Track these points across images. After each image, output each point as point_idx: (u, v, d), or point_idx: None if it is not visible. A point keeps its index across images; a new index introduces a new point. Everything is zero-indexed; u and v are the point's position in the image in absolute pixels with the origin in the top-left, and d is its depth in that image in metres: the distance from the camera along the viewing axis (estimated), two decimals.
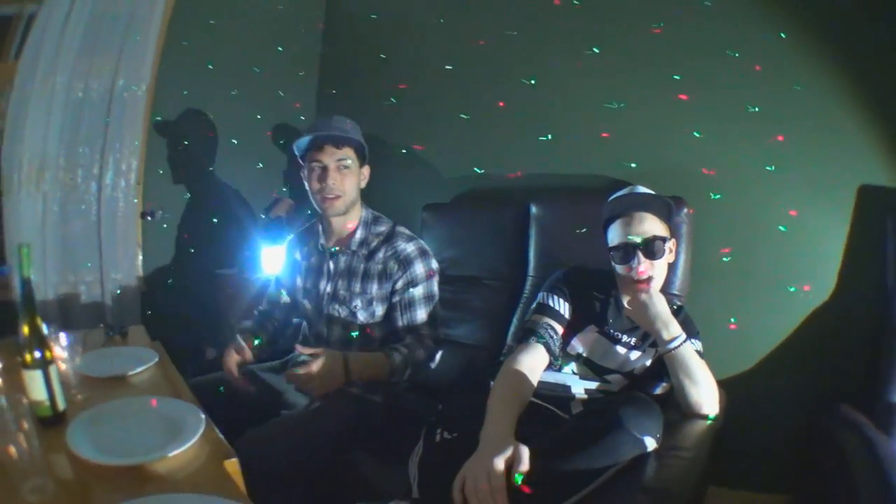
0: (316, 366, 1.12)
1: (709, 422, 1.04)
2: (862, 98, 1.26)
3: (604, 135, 1.55)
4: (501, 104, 1.74)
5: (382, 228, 1.36)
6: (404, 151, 2.00)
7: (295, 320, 1.54)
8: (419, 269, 1.29)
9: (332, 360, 1.15)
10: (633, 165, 1.49)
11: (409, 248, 1.30)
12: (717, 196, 1.40)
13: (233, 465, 0.83)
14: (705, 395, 1.04)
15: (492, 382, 1.04)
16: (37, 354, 0.88)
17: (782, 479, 1.40)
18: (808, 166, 1.32)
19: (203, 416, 0.92)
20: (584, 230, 1.36)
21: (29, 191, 1.85)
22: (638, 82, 1.50)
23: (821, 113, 1.30)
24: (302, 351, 1.18)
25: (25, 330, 0.88)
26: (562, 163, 1.65)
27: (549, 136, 1.65)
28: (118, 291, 1.99)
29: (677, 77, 1.42)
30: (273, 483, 0.98)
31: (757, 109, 1.34)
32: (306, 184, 1.32)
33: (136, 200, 2.01)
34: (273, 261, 1.97)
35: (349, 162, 1.27)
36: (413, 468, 0.97)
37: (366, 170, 1.35)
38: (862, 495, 0.88)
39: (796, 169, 1.33)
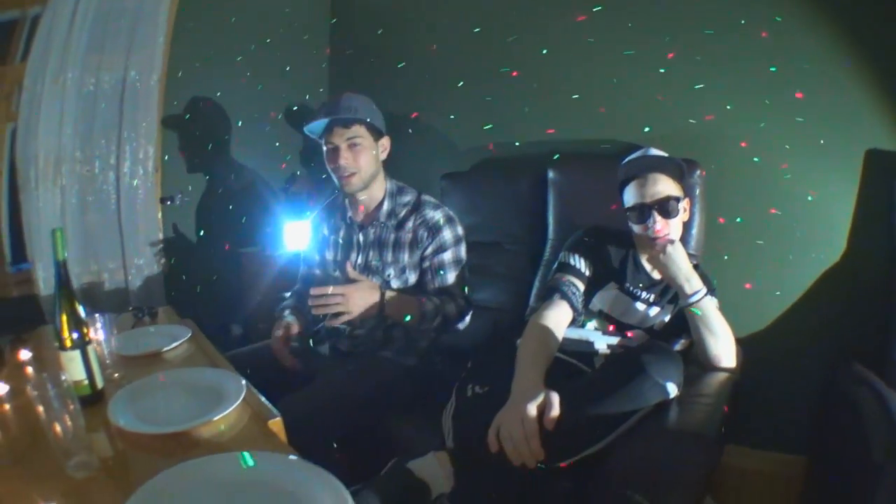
0: (355, 286, 1.19)
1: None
2: (868, 62, 1.27)
3: (617, 100, 1.58)
4: (515, 74, 1.77)
5: (408, 198, 1.40)
6: (421, 121, 2.03)
7: None
8: (448, 234, 1.35)
9: (371, 287, 1.24)
10: (647, 129, 1.52)
11: (437, 215, 1.35)
12: (737, 159, 1.42)
13: (277, 425, 0.86)
14: (724, 348, 1.09)
15: (518, 340, 1.09)
16: (74, 335, 0.90)
17: (799, 441, 1.43)
18: (819, 130, 1.33)
19: (243, 381, 0.95)
20: (602, 196, 1.38)
21: (46, 185, 1.90)
22: (650, 46, 1.51)
23: (829, 77, 1.30)
24: (350, 274, 1.24)
25: (63, 312, 0.90)
26: (576, 129, 1.68)
27: (562, 103, 1.68)
28: (141, 276, 2.05)
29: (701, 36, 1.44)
30: (312, 445, 1.04)
31: (773, 69, 1.35)
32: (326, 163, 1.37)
33: (155, 186, 2.06)
34: (295, 237, 2.02)
35: (360, 139, 1.30)
36: (447, 422, 1.03)
37: (385, 141, 1.38)
38: (873, 447, 0.91)
39: (807, 134, 1.34)
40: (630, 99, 1.56)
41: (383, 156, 1.38)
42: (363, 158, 1.31)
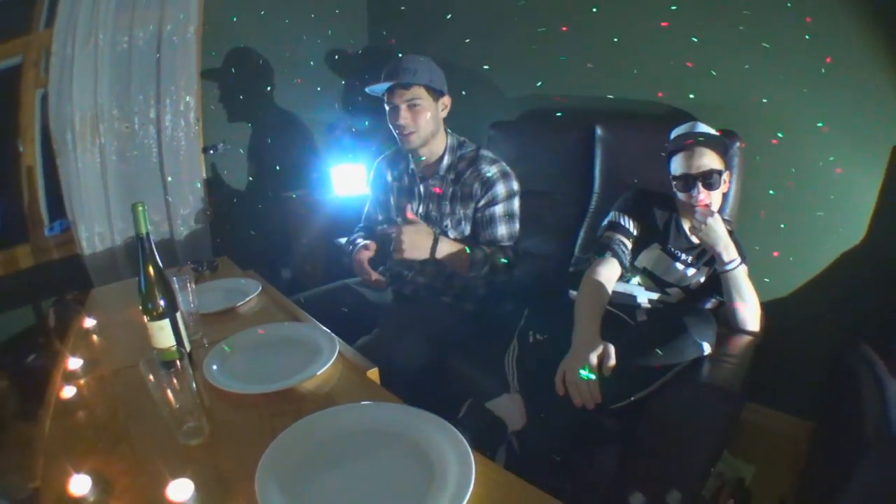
0: (410, 227, 1.31)
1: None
2: None
3: (664, 65, 1.62)
4: (564, 28, 1.82)
5: (467, 152, 1.49)
6: (469, 70, 2.08)
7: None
8: (501, 189, 1.43)
9: (426, 232, 1.35)
10: (692, 96, 1.58)
11: (493, 170, 1.44)
12: (773, 133, 1.48)
13: (374, 374, 0.94)
14: (751, 313, 1.23)
15: (570, 291, 1.24)
16: (162, 303, 0.91)
17: (808, 406, 1.54)
18: (853, 119, 1.38)
19: (333, 335, 1.02)
20: (647, 157, 1.45)
21: (85, 146, 1.96)
22: (698, 15, 1.55)
23: (867, 71, 1.34)
24: (409, 216, 1.35)
25: (149, 283, 0.91)
26: (621, 87, 1.75)
27: (609, 62, 1.73)
28: (188, 227, 2.14)
29: (746, 12, 1.46)
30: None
31: (825, 59, 1.37)
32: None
33: (197, 137, 2.12)
34: (342, 181, 2.09)
35: (419, 101, 1.39)
36: (510, 365, 1.18)
37: (445, 100, 1.45)
38: (865, 426, 0.99)
39: (842, 120, 1.39)
40: (677, 64, 1.60)
41: (443, 114, 1.46)
42: (422, 118, 1.40)
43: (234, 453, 0.75)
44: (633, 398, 1.04)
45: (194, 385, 0.79)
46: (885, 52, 1.30)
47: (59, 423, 0.87)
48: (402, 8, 2.29)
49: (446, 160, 1.47)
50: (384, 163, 1.66)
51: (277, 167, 2.30)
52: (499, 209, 1.44)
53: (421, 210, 1.51)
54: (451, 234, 1.47)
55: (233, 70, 2.18)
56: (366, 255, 1.52)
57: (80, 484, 0.70)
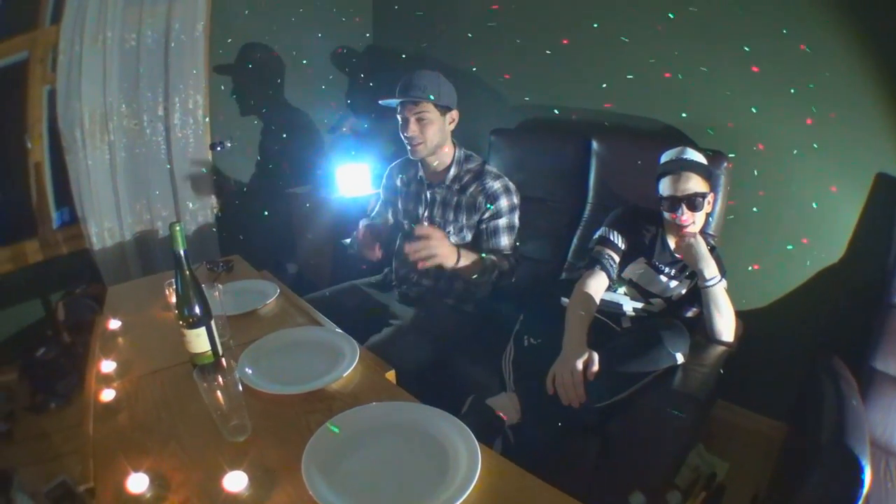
0: (437, 237, 1.43)
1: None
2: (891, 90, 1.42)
3: (663, 77, 1.76)
4: (565, 41, 1.97)
5: (473, 166, 1.66)
6: (472, 77, 2.24)
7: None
8: (504, 203, 1.59)
9: (449, 244, 1.48)
10: (684, 115, 1.75)
11: (496, 185, 1.60)
12: (760, 154, 1.64)
13: (392, 376, 1.07)
14: (726, 326, 1.41)
15: (563, 299, 1.44)
16: (198, 312, 1.01)
17: (782, 409, 1.71)
18: (840, 144, 1.52)
19: (352, 339, 1.14)
20: (639, 172, 1.62)
21: (94, 143, 2.07)
22: (695, 37, 1.69)
23: (854, 98, 1.47)
24: (426, 227, 1.48)
25: (185, 295, 1.00)
26: (618, 102, 1.91)
27: (607, 77, 1.89)
28: (195, 221, 2.28)
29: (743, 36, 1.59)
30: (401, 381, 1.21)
31: (811, 86, 1.51)
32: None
33: (205, 134, 2.25)
34: (346, 180, 2.24)
35: (427, 114, 1.54)
36: (507, 367, 1.38)
37: (453, 114, 1.61)
38: (822, 430, 1.11)
39: (829, 145, 1.53)
40: (672, 86, 1.76)
41: (451, 127, 1.62)
42: (429, 131, 1.56)
43: (276, 447, 0.87)
44: (613, 399, 1.24)
45: (240, 387, 0.90)
46: (874, 81, 1.44)
47: (103, 425, 0.96)
48: (418, 13, 2.41)
49: (453, 171, 1.64)
50: (396, 168, 1.83)
51: (284, 164, 2.44)
52: (502, 221, 1.60)
53: (426, 215, 1.68)
54: (453, 239, 1.62)
55: (240, 68, 2.31)
56: (368, 230, 1.64)
57: (137, 482, 0.78)
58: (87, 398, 1.06)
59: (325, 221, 2.28)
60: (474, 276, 1.55)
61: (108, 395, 1.03)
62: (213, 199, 2.35)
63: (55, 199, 2.20)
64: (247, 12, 2.22)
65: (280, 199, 2.45)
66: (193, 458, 0.85)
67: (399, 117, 1.59)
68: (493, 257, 1.58)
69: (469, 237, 1.65)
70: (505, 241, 1.62)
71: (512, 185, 1.64)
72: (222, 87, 2.29)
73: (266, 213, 2.39)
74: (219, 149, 2.29)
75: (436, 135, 1.58)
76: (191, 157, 2.25)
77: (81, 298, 2.19)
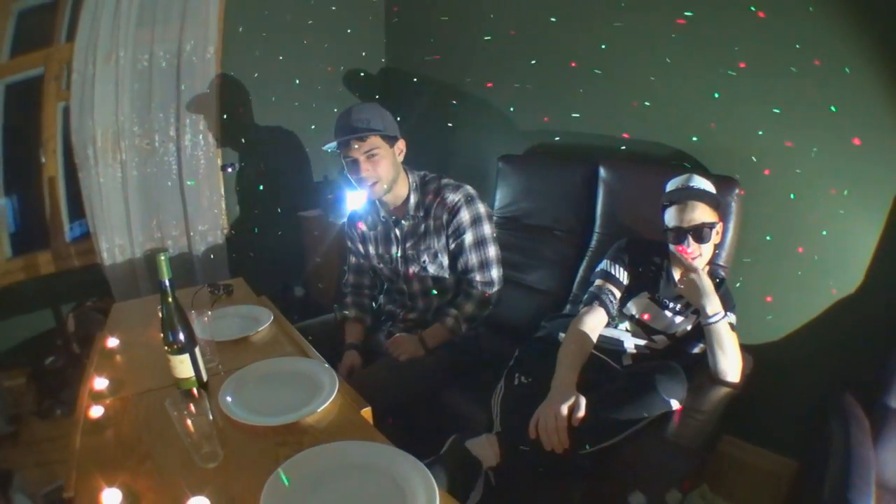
0: (399, 338, 1.55)
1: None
2: None
3: (669, 108, 1.78)
4: (573, 64, 1.99)
5: (431, 186, 1.61)
6: (481, 101, 2.28)
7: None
8: (465, 216, 1.56)
9: (409, 338, 1.59)
10: (695, 139, 1.74)
11: (456, 196, 1.56)
12: (773, 180, 1.62)
13: (367, 413, 1.09)
14: (731, 366, 1.37)
15: (560, 334, 1.43)
16: (182, 339, 1.07)
17: (793, 446, 1.67)
18: (855, 167, 1.49)
19: (335, 373, 1.16)
20: (648, 200, 1.60)
21: (106, 161, 2.18)
22: (704, 59, 1.69)
23: (872, 121, 1.44)
24: (388, 345, 1.59)
25: (170, 321, 1.06)
26: (626, 126, 1.91)
27: (615, 100, 1.90)
28: (205, 242, 2.37)
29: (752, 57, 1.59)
30: (381, 417, 1.21)
31: (833, 109, 1.49)
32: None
33: (216, 155, 2.34)
34: (354, 204, 2.25)
35: (376, 149, 1.49)
36: (496, 406, 1.38)
37: (400, 144, 1.57)
38: (825, 488, 1.09)
39: (844, 168, 1.51)
40: (682, 110, 1.75)
41: (400, 157, 1.58)
42: (382, 167, 1.51)
43: (243, 477, 0.90)
44: (600, 446, 1.21)
45: (210, 416, 0.94)
46: (893, 104, 1.41)
47: (89, 439, 1.03)
48: (430, 39, 2.48)
49: (413, 199, 1.60)
50: (355, 217, 1.79)
51: (292, 186, 2.53)
52: (468, 238, 1.57)
53: (399, 252, 1.67)
54: (431, 268, 1.62)
55: (251, 89, 2.41)
56: (349, 367, 1.61)
57: (111, 497, 0.83)
58: (79, 412, 1.12)
59: (333, 246, 2.33)
60: (449, 340, 1.59)
61: (97, 411, 1.10)
62: (224, 220, 2.43)
63: (69, 213, 2.33)
64: (254, 37, 2.32)
65: (290, 221, 2.53)
66: (165, 479, 0.90)
67: (345, 161, 1.54)
68: (452, 312, 1.59)
69: (446, 261, 1.63)
70: (473, 259, 1.59)
71: (474, 193, 1.60)
72: (233, 109, 2.39)
73: (276, 236, 2.46)
74: (229, 170, 2.39)
75: (390, 169, 1.53)
76: (201, 179, 2.35)
77: (91, 312, 2.30)
